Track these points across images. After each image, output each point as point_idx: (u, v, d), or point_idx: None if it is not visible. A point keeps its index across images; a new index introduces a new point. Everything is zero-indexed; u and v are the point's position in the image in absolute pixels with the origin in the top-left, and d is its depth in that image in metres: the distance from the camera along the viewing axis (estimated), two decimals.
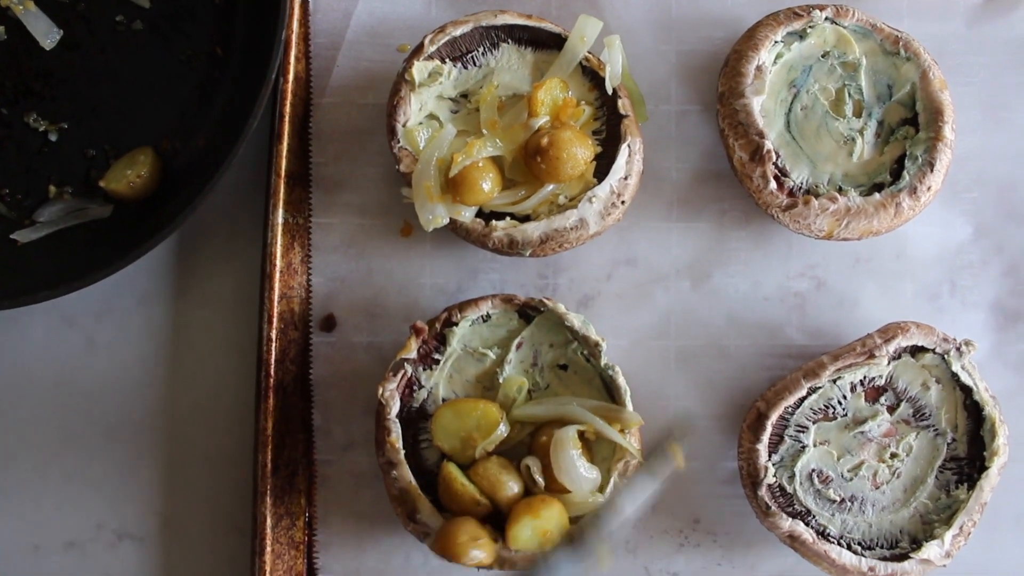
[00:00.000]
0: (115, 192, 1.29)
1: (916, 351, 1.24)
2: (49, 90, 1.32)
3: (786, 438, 1.23)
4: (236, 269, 1.33)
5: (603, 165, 1.25)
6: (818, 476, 1.23)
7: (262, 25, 1.27)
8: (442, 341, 1.23)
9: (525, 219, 1.24)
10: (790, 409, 1.23)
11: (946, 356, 1.23)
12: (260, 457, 1.25)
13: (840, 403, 1.24)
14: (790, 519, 1.21)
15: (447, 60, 1.27)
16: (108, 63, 1.32)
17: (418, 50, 1.25)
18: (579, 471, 1.18)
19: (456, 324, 1.22)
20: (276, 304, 1.26)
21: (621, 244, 1.31)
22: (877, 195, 1.24)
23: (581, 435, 1.20)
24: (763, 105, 1.26)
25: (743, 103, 1.25)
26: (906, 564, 1.21)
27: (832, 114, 1.27)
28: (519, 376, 1.23)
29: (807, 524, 1.22)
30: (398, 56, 1.31)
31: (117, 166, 1.30)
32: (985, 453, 1.23)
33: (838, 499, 1.23)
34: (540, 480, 1.19)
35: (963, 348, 1.23)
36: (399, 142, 1.25)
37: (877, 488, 1.24)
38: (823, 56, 1.28)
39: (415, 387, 1.23)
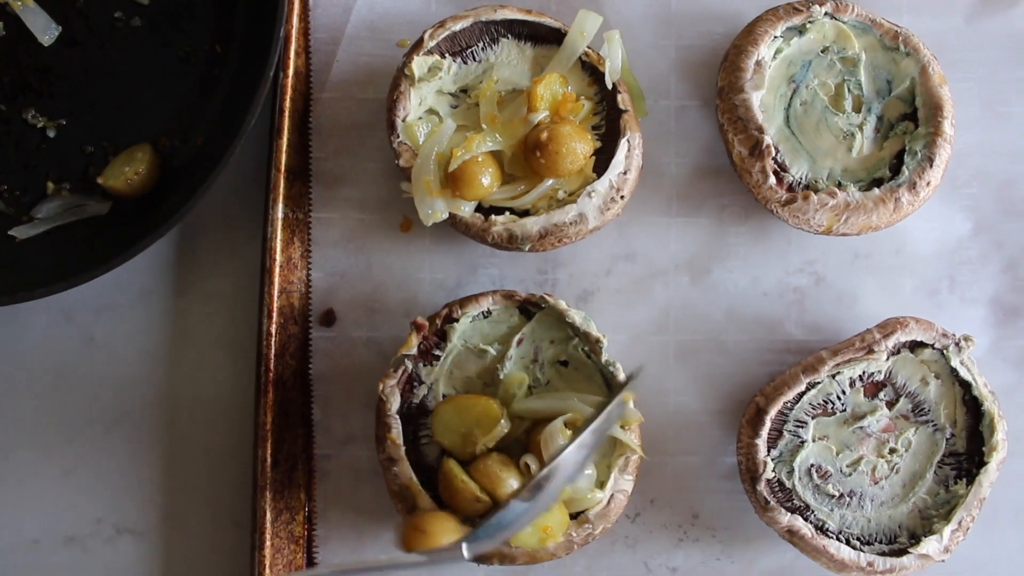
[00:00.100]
0: (113, 189, 1.29)
1: (915, 346, 1.24)
2: (47, 86, 1.32)
3: (785, 433, 1.24)
4: (236, 264, 1.33)
5: (602, 160, 1.25)
6: (817, 471, 1.24)
7: (261, 21, 1.27)
8: (443, 337, 1.23)
9: (524, 214, 1.24)
10: (789, 404, 1.24)
11: (945, 351, 1.23)
12: (260, 452, 1.25)
13: (839, 398, 1.24)
14: (789, 514, 1.21)
15: (447, 55, 1.27)
16: (107, 60, 1.32)
17: (418, 45, 1.25)
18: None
19: (457, 320, 1.22)
20: (276, 299, 1.26)
21: (620, 239, 1.31)
22: (876, 190, 1.24)
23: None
24: (762, 100, 1.26)
25: (742, 98, 1.25)
26: (905, 559, 1.21)
27: (831, 109, 1.27)
28: (520, 372, 1.23)
29: (806, 519, 1.22)
30: (398, 51, 1.31)
31: (115, 163, 1.29)
32: (984, 448, 1.23)
33: (837, 494, 1.23)
34: None
35: (962, 343, 1.23)
36: (399, 137, 1.25)
37: (876, 483, 1.24)
38: (822, 51, 1.28)
39: (415, 383, 1.23)
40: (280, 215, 1.27)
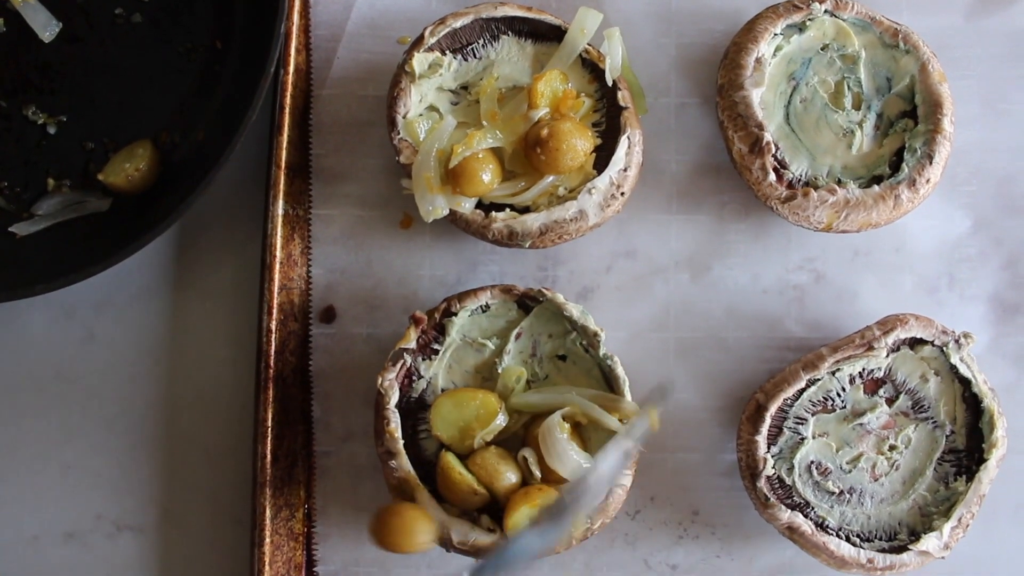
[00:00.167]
0: (114, 185, 1.29)
1: (915, 343, 1.24)
2: (48, 83, 1.32)
3: (785, 430, 1.23)
4: (236, 261, 1.33)
5: (603, 157, 1.25)
6: (817, 468, 1.24)
7: (261, 18, 1.27)
8: (441, 331, 1.23)
9: (525, 210, 1.24)
10: (789, 401, 1.23)
11: (945, 348, 1.23)
12: (259, 448, 1.25)
13: (839, 395, 1.24)
14: (789, 511, 1.21)
15: (447, 52, 1.27)
16: (107, 56, 1.32)
17: (418, 42, 1.26)
18: (570, 455, 1.18)
19: (455, 314, 1.22)
20: (276, 295, 1.27)
21: (620, 236, 1.31)
22: (876, 187, 1.24)
23: (576, 425, 1.20)
24: (762, 97, 1.26)
25: (742, 95, 1.25)
26: (904, 556, 1.21)
27: (831, 106, 1.27)
28: (518, 366, 1.23)
29: (806, 516, 1.22)
30: (398, 48, 1.31)
31: (116, 159, 1.30)
32: (984, 445, 1.23)
33: (837, 491, 1.23)
34: (537, 473, 1.19)
35: (962, 340, 1.23)
36: (399, 133, 1.25)
37: (876, 480, 1.24)
38: (822, 49, 1.28)
39: (414, 377, 1.23)
40: (280, 212, 1.27)
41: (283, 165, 1.27)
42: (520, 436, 1.22)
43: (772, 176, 1.24)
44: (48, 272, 1.25)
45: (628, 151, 1.24)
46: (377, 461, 1.25)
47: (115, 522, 1.31)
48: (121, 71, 1.32)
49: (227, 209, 1.33)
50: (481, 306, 1.23)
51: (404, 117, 1.25)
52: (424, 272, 1.31)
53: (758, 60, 1.26)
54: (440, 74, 1.26)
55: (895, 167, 1.26)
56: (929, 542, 1.21)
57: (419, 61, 1.25)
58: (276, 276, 1.26)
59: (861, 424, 1.24)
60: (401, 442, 1.20)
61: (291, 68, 1.29)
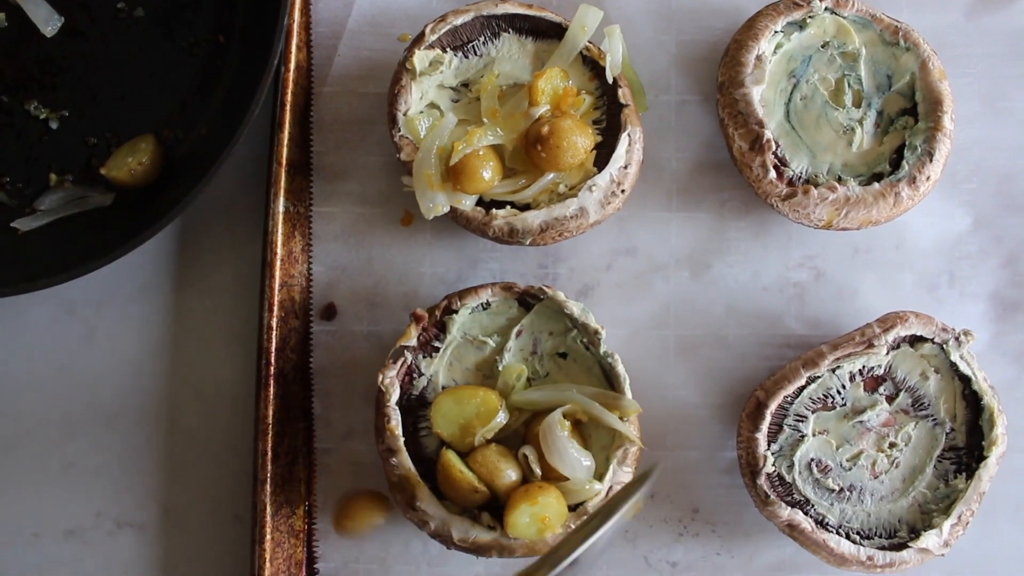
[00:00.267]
0: (116, 179, 1.29)
1: (915, 341, 1.24)
2: (50, 78, 1.32)
3: (785, 427, 1.24)
4: (237, 258, 1.33)
5: (603, 154, 1.25)
6: (817, 465, 1.24)
7: (263, 13, 1.27)
8: (442, 329, 1.23)
9: (525, 208, 1.24)
10: (789, 399, 1.23)
11: (945, 346, 1.23)
12: (260, 445, 1.25)
13: (839, 393, 1.24)
14: (789, 508, 1.21)
15: (448, 49, 1.27)
16: (109, 51, 1.32)
17: (419, 39, 1.26)
18: (570, 452, 1.18)
19: (456, 312, 1.23)
20: (277, 293, 1.27)
21: (621, 234, 1.31)
22: (876, 185, 1.24)
23: (576, 422, 1.21)
24: (763, 95, 1.26)
25: (743, 93, 1.25)
26: (904, 553, 1.21)
27: (832, 104, 1.27)
28: (518, 364, 1.23)
29: (806, 513, 1.22)
30: (399, 45, 1.31)
31: (119, 153, 1.30)
32: (984, 443, 1.23)
33: (837, 488, 1.23)
34: (537, 470, 1.19)
35: (962, 338, 1.23)
36: (400, 131, 1.25)
37: (876, 477, 1.24)
38: (823, 46, 1.28)
39: (415, 375, 1.24)
40: (281, 209, 1.28)
41: (284, 162, 1.28)
42: (521, 434, 1.22)
43: (772, 174, 1.24)
44: (50, 267, 1.25)
45: (628, 148, 1.25)
46: (377, 458, 1.25)
47: (115, 519, 1.31)
48: (123, 66, 1.32)
49: (228, 207, 1.33)
50: (482, 304, 1.23)
51: (405, 114, 1.25)
52: (425, 269, 1.31)
53: (758, 57, 1.26)
54: (441, 71, 1.27)
55: (895, 164, 1.26)
56: (929, 539, 1.21)
57: (420, 58, 1.25)
58: (277, 273, 1.27)
59: (861, 421, 1.24)
60: (402, 439, 1.20)
61: (292, 65, 1.29)
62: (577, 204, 1.23)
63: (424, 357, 1.23)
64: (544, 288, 1.22)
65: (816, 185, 1.25)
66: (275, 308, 1.26)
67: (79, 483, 1.31)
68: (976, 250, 1.31)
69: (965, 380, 1.24)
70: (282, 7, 1.25)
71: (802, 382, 1.23)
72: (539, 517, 1.16)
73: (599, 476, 1.20)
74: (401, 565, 1.28)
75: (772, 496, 1.21)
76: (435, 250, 1.31)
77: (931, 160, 1.24)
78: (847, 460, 1.24)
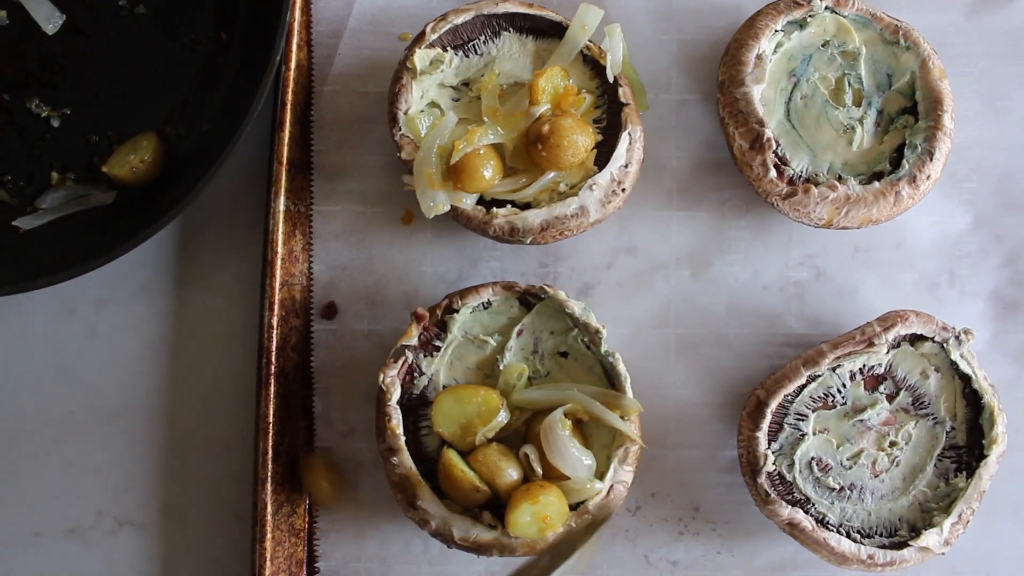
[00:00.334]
0: (118, 177, 1.29)
1: (915, 339, 1.24)
2: (51, 76, 1.32)
3: (785, 426, 1.24)
4: (237, 257, 1.33)
5: (604, 153, 1.25)
6: (817, 464, 1.24)
7: (265, 10, 1.27)
8: (443, 328, 1.23)
9: (526, 207, 1.24)
10: (790, 397, 1.24)
11: (945, 344, 1.23)
12: (261, 444, 1.25)
13: (839, 391, 1.24)
14: (789, 507, 1.21)
15: (448, 48, 1.27)
16: (111, 48, 1.32)
17: (419, 38, 1.26)
18: (572, 451, 1.18)
19: (457, 311, 1.23)
20: (277, 292, 1.27)
21: (621, 233, 1.31)
22: (876, 184, 1.24)
23: (577, 421, 1.21)
24: (763, 94, 1.27)
25: (743, 92, 1.25)
26: (905, 552, 1.21)
27: (832, 103, 1.27)
28: (519, 363, 1.23)
29: (806, 512, 1.22)
30: (400, 44, 1.31)
31: (121, 151, 1.30)
32: (984, 441, 1.23)
33: (837, 487, 1.23)
34: (538, 469, 1.19)
35: (962, 336, 1.23)
36: (400, 130, 1.25)
37: (876, 476, 1.24)
38: (823, 45, 1.28)
39: (416, 374, 1.24)
40: (282, 208, 1.28)
41: (284, 161, 1.28)
42: (521, 433, 1.22)
43: (773, 172, 1.24)
44: (51, 265, 1.25)
45: (629, 147, 1.25)
46: (378, 457, 1.26)
47: (116, 518, 1.31)
48: (125, 63, 1.32)
49: (228, 206, 1.33)
50: (483, 303, 1.23)
51: (405, 113, 1.25)
52: (425, 268, 1.31)
53: (759, 56, 1.26)
54: (441, 70, 1.27)
55: (895, 163, 1.26)
56: (929, 538, 1.21)
57: (420, 57, 1.25)
58: (277, 272, 1.26)
59: (861, 420, 1.24)
60: (402, 439, 1.20)
61: (292, 64, 1.29)
62: (578, 203, 1.23)
63: (425, 356, 1.23)
64: (545, 287, 1.22)
65: (816, 184, 1.25)
66: (276, 307, 1.26)
67: (80, 482, 1.31)
68: (976, 249, 1.31)
69: (965, 379, 1.24)
70: (284, 5, 1.25)
71: (802, 381, 1.23)
72: (540, 516, 1.16)
73: (600, 475, 1.20)
74: (402, 564, 1.28)
75: (773, 495, 1.21)
76: (436, 249, 1.31)
77: (931, 159, 1.24)
78: (847, 459, 1.24)
